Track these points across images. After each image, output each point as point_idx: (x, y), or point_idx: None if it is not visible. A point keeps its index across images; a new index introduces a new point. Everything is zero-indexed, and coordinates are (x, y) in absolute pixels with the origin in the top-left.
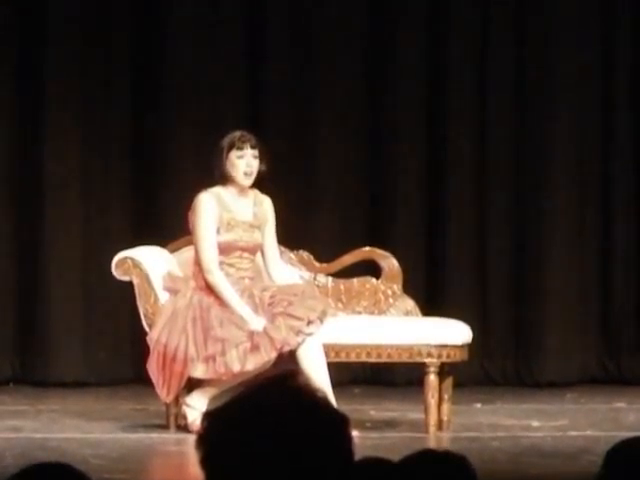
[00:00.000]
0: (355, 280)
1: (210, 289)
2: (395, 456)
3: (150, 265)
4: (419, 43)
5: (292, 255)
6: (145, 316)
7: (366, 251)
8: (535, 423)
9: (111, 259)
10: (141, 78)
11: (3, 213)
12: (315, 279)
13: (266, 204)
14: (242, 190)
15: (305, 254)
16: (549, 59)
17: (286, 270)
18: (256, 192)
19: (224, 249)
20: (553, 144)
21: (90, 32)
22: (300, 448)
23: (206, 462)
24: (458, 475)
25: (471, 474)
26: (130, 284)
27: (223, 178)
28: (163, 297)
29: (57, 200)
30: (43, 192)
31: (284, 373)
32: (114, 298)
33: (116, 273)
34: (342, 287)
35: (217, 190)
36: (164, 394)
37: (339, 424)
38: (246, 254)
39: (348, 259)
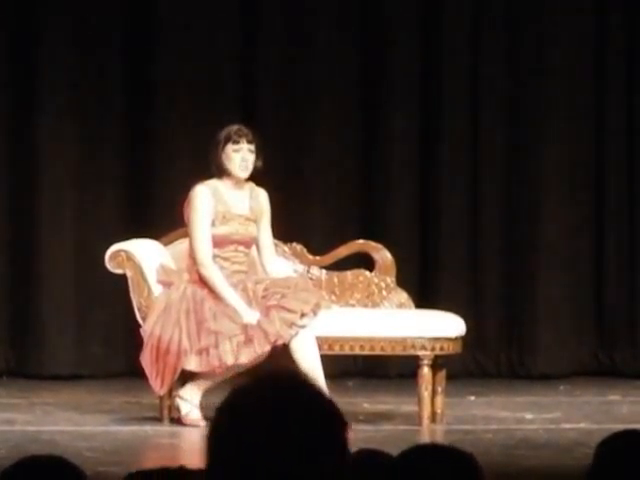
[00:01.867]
0: (349, 273)
1: (204, 282)
2: (389, 449)
3: (144, 258)
4: (414, 39)
5: (286, 248)
6: (139, 309)
7: (360, 244)
8: (529, 415)
9: (105, 252)
10: (137, 72)
11: None
12: (309, 272)
13: (262, 197)
14: (238, 183)
15: (299, 247)
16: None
17: (280, 264)
18: (252, 185)
19: (219, 242)
20: (547, 141)
21: (86, 27)
22: (299, 444)
23: (209, 453)
24: (466, 474)
25: (479, 474)
26: (124, 277)
27: (219, 171)
28: (157, 290)
29: (50, 194)
30: (36, 186)
31: (290, 370)
32: (107, 291)
33: (110, 266)
34: (336, 280)
35: (213, 183)
36: (157, 386)
37: (337, 426)
38: (241, 247)
39: (342, 252)
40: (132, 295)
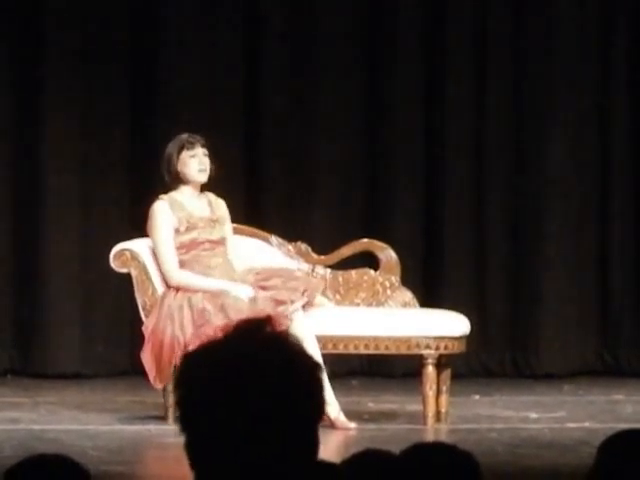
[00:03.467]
0: (353, 272)
1: (185, 290)
2: (393, 448)
3: (148, 257)
4: (418, 27)
5: (290, 247)
6: (143, 308)
7: (364, 243)
8: (533, 415)
9: (109, 251)
10: (140, 77)
11: (1, 207)
12: (313, 271)
13: (222, 205)
14: (195, 191)
15: (303, 246)
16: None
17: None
18: (211, 195)
19: (190, 246)
20: (552, 139)
21: (89, 32)
22: (272, 391)
23: (181, 402)
24: (465, 472)
25: (478, 472)
26: (128, 276)
27: (176, 181)
28: (161, 289)
29: (55, 192)
30: (40, 186)
31: (261, 319)
32: (112, 290)
33: (114, 265)
34: (340, 279)
35: (171, 195)
36: (156, 382)
37: (312, 369)
38: (215, 246)
39: (346, 251)
40: (136, 294)
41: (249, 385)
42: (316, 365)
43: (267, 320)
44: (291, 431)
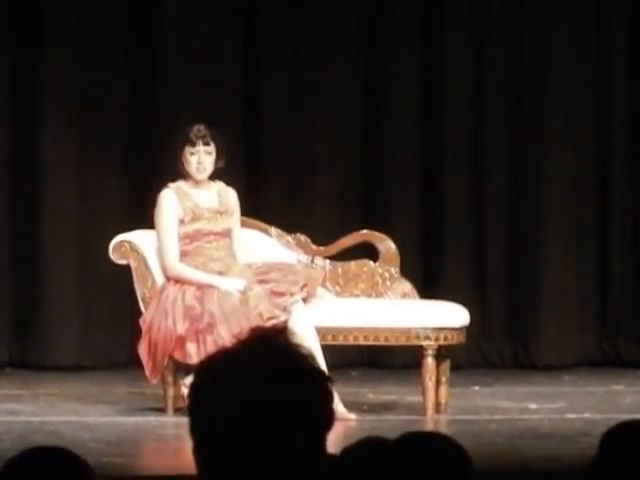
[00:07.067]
0: (353, 263)
1: (181, 281)
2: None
3: (147, 248)
4: (417, 25)
5: (289, 238)
6: (142, 300)
7: (363, 234)
8: (533, 406)
9: (108, 243)
10: (140, 68)
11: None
12: (313, 262)
13: (232, 195)
14: (202, 183)
15: (303, 237)
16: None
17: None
18: (220, 184)
19: (194, 237)
20: (551, 126)
21: (88, 25)
22: (281, 402)
23: (191, 409)
24: (453, 462)
25: (467, 459)
26: (127, 268)
27: (183, 171)
28: (160, 280)
29: (54, 183)
30: (39, 176)
31: (273, 329)
32: (111, 282)
33: (113, 257)
34: (340, 270)
35: (179, 184)
36: (151, 376)
37: (322, 381)
38: (219, 238)
39: (346, 242)
40: (136, 285)
41: (258, 396)
42: (326, 376)
43: (279, 330)
44: (299, 442)
